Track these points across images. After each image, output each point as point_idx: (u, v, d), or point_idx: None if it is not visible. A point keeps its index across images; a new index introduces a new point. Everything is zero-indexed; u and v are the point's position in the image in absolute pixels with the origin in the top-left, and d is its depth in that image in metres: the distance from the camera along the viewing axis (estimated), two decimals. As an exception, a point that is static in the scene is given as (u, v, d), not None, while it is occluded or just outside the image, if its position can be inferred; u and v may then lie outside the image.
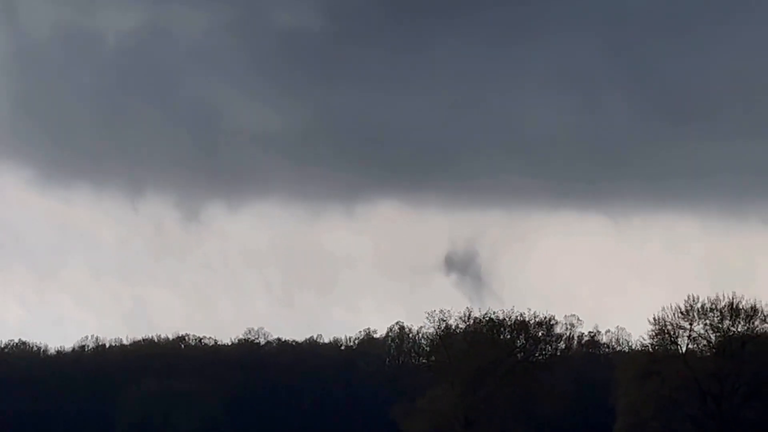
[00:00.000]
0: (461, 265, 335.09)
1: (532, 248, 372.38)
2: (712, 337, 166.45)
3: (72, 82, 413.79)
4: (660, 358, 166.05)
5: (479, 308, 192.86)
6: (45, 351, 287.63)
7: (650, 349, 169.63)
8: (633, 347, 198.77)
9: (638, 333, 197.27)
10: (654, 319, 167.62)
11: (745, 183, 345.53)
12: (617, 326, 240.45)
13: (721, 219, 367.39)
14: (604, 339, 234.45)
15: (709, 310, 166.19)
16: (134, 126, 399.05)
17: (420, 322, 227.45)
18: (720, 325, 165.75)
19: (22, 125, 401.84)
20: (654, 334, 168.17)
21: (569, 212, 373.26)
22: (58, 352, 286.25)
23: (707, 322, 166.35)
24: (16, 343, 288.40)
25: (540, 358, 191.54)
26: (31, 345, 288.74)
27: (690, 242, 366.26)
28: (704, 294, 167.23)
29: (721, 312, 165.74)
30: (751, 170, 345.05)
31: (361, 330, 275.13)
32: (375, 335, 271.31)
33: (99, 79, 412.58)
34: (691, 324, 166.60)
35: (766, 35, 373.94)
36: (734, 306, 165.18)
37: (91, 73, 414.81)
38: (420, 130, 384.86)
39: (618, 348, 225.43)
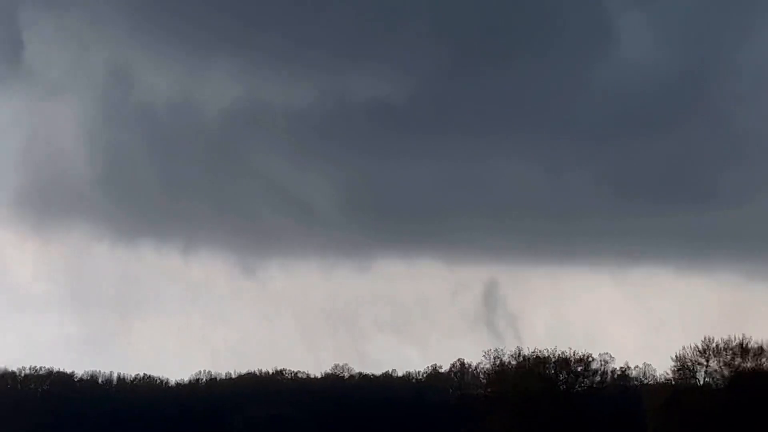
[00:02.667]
0: (491, 310, 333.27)
1: (544, 297, 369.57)
2: (726, 372, 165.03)
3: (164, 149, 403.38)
4: (681, 390, 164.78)
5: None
6: (166, 383, 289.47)
7: (673, 382, 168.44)
8: (658, 380, 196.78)
9: (662, 368, 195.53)
10: (676, 356, 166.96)
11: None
12: (644, 362, 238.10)
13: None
14: (634, 373, 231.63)
15: (722, 349, 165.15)
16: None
17: (478, 358, 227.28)
18: (732, 362, 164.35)
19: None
20: (676, 369, 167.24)
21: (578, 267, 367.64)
22: (178, 384, 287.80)
23: (721, 359, 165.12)
24: (142, 377, 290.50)
25: (579, 389, 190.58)
26: (154, 378, 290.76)
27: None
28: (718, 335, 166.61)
29: (733, 351, 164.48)
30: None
31: (429, 365, 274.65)
32: (440, 370, 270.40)
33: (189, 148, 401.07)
34: (707, 361, 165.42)
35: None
36: (744, 346, 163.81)
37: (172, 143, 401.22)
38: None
39: (645, 381, 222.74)
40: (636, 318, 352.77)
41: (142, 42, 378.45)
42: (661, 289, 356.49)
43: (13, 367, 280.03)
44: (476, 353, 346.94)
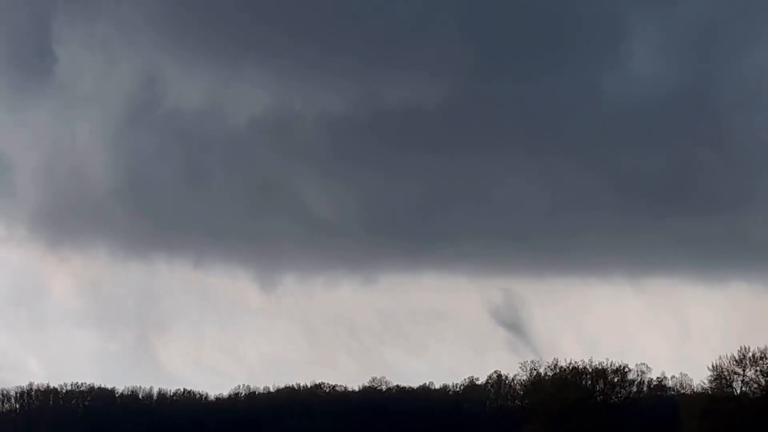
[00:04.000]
0: (510, 323, 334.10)
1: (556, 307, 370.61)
2: (762, 381, 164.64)
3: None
4: (718, 399, 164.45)
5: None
6: (206, 398, 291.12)
7: (709, 392, 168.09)
8: (695, 390, 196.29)
9: (699, 378, 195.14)
10: (712, 366, 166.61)
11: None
12: (681, 372, 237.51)
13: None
14: (670, 383, 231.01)
15: (759, 358, 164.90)
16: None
17: (514, 370, 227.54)
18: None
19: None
20: (712, 378, 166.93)
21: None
22: (217, 399, 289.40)
23: (758, 368, 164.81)
24: (182, 392, 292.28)
25: (616, 400, 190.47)
26: (194, 393, 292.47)
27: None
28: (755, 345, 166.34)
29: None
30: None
31: (466, 378, 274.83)
32: (477, 382, 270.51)
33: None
34: (744, 370, 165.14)
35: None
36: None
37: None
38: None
39: (682, 391, 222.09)
40: (661, 328, 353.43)
41: (171, 51, 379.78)
42: (678, 299, 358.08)
43: (54, 383, 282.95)
44: (494, 365, 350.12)
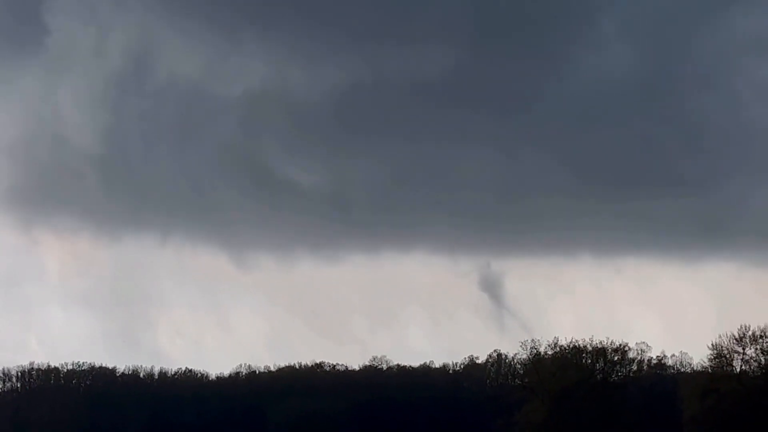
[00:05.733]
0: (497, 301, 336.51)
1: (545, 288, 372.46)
2: (762, 359, 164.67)
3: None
4: (718, 377, 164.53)
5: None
6: (207, 377, 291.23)
7: (709, 370, 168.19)
8: (695, 368, 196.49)
9: (699, 356, 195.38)
10: (712, 344, 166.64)
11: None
12: (681, 351, 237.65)
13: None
14: (670, 362, 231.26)
15: (759, 336, 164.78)
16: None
17: (514, 349, 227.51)
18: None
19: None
20: (712, 357, 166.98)
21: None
22: (218, 378, 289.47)
23: (758, 347, 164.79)
24: (184, 371, 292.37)
25: (616, 378, 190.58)
26: (195, 372, 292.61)
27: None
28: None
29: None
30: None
31: (466, 357, 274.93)
32: (477, 361, 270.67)
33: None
34: (744, 348, 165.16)
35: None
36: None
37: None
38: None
39: (682, 369, 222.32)
40: (641, 306, 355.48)
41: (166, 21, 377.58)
42: (651, 279, 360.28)
43: (56, 362, 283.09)
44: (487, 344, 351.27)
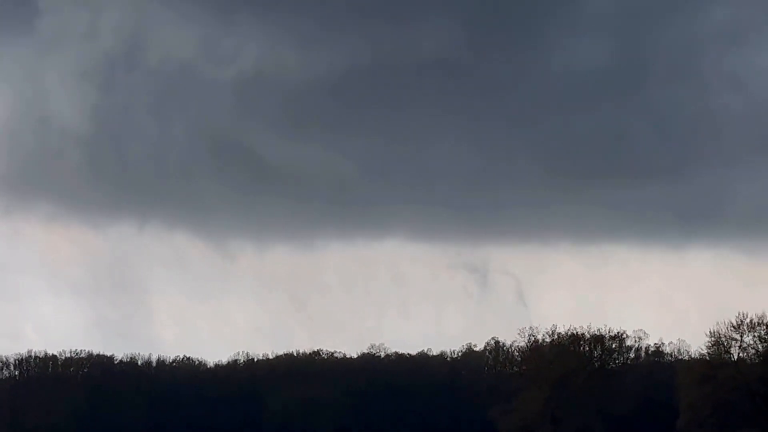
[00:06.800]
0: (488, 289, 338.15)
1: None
2: (760, 347, 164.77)
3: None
4: (715, 365, 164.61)
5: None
6: (204, 364, 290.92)
7: (707, 358, 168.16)
8: (692, 356, 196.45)
9: (696, 344, 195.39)
10: (710, 332, 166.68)
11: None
12: (678, 338, 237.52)
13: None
14: (668, 349, 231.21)
15: (756, 324, 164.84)
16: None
17: (512, 337, 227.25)
18: (766, 337, 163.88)
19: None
20: (710, 344, 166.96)
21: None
22: (216, 365, 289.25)
23: (755, 334, 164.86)
24: (182, 358, 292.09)
25: (614, 366, 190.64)
26: (193, 359, 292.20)
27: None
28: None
29: (767, 326, 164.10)
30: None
31: (464, 344, 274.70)
32: (475, 348, 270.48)
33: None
34: (741, 336, 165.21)
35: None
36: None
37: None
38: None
39: (680, 357, 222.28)
40: (622, 293, 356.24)
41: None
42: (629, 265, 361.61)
43: (53, 350, 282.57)
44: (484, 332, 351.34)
